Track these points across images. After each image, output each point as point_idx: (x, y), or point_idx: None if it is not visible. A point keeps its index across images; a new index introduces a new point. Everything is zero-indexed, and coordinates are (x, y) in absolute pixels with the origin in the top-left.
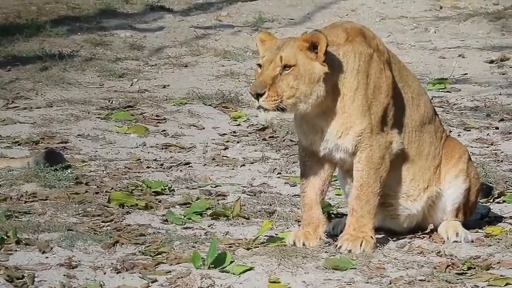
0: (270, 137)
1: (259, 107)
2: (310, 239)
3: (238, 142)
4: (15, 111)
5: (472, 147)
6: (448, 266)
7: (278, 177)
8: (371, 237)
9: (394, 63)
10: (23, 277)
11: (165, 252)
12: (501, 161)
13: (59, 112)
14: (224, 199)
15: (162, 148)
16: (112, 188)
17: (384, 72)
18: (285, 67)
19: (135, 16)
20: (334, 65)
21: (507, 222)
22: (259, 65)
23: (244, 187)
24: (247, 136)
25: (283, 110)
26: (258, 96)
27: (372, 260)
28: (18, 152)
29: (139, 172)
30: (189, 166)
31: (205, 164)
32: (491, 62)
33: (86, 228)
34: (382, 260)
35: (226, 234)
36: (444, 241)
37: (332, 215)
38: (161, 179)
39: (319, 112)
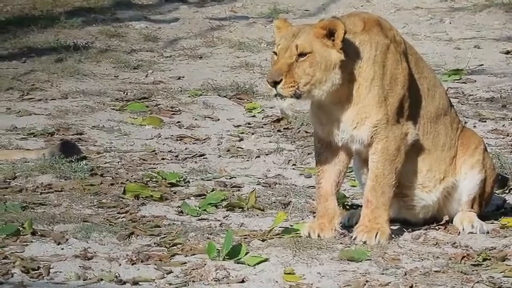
0: (285, 128)
1: (276, 95)
2: (325, 231)
3: (253, 134)
4: (30, 102)
5: (487, 138)
6: (463, 257)
7: (293, 169)
8: (386, 228)
9: (410, 54)
10: (38, 268)
11: (180, 244)
12: None
13: (74, 103)
14: (239, 190)
15: (177, 140)
16: (127, 180)
17: (400, 63)
18: (301, 54)
19: (150, 7)
20: (350, 54)
21: None
22: (275, 53)
23: (259, 178)
24: (262, 127)
25: (298, 97)
26: (275, 84)
27: (387, 251)
28: (34, 143)
29: (154, 164)
30: (204, 158)
31: (220, 156)
32: (507, 52)
33: (102, 220)
34: (397, 251)
35: (241, 226)
36: (459, 232)
37: (347, 207)
38: (176, 171)
39: (335, 102)
